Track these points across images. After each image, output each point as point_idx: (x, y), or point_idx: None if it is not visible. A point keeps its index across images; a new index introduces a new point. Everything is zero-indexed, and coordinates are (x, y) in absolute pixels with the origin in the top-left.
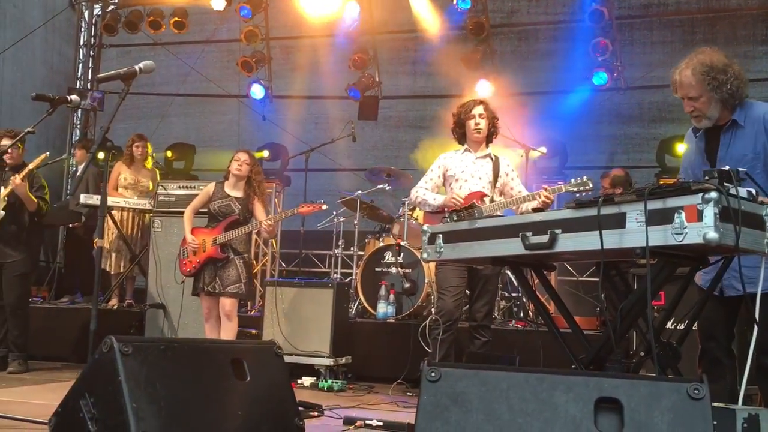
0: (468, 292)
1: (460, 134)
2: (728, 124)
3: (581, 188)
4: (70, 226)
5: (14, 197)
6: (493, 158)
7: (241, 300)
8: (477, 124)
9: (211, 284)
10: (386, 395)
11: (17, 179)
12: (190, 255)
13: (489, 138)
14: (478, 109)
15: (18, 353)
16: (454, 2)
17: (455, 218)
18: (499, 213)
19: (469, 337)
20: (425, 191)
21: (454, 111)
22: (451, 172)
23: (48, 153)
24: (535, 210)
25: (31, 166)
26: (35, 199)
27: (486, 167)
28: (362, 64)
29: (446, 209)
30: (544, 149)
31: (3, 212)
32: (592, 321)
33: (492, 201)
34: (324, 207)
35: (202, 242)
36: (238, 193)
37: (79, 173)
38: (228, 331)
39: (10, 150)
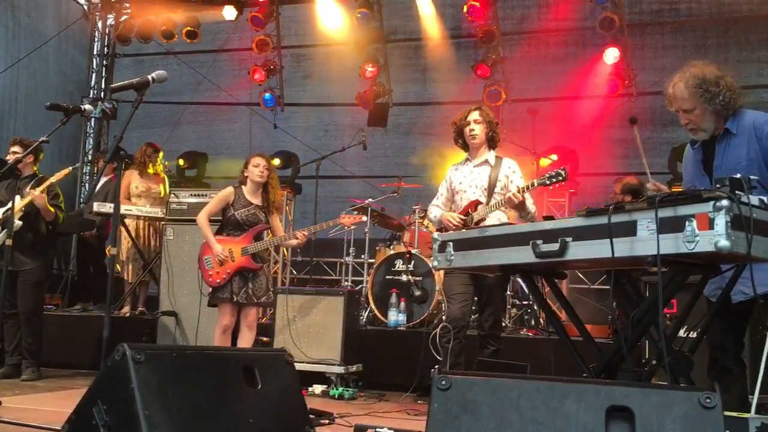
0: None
1: (463, 142)
2: (722, 134)
3: (554, 179)
4: (82, 234)
5: (30, 207)
6: (492, 163)
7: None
8: (472, 130)
9: (241, 294)
10: (397, 403)
11: (36, 192)
12: (216, 266)
13: (492, 143)
14: (473, 115)
15: (31, 360)
16: (464, 10)
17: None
18: (492, 218)
19: (478, 346)
20: (434, 208)
21: (453, 120)
22: (454, 185)
23: (71, 168)
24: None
25: (52, 179)
26: (53, 210)
27: (482, 174)
28: (373, 72)
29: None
30: (554, 156)
31: (20, 222)
32: (603, 329)
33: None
34: (364, 218)
35: (230, 252)
36: (258, 201)
37: (99, 184)
38: (248, 341)
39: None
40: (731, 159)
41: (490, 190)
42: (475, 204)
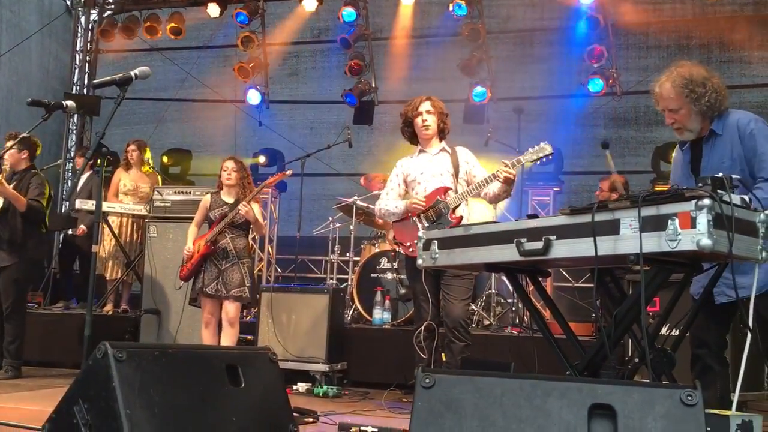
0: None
1: (411, 133)
2: (708, 135)
3: (540, 155)
4: (69, 232)
5: (6, 202)
6: (449, 151)
7: (245, 306)
8: (425, 120)
9: (211, 286)
10: (381, 401)
11: None
12: (187, 259)
13: (442, 135)
14: (425, 106)
15: (11, 360)
16: (450, 8)
17: (426, 224)
18: (464, 203)
19: (446, 342)
20: (387, 201)
21: (402, 110)
22: (411, 177)
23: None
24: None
25: None
26: (24, 199)
27: (444, 161)
28: (358, 70)
29: (410, 214)
30: None
31: None
32: (587, 327)
33: (456, 192)
34: (288, 172)
35: (197, 246)
36: (232, 200)
37: (81, 180)
38: (229, 338)
39: (8, 155)
40: (715, 159)
41: (456, 176)
42: (444, 190)
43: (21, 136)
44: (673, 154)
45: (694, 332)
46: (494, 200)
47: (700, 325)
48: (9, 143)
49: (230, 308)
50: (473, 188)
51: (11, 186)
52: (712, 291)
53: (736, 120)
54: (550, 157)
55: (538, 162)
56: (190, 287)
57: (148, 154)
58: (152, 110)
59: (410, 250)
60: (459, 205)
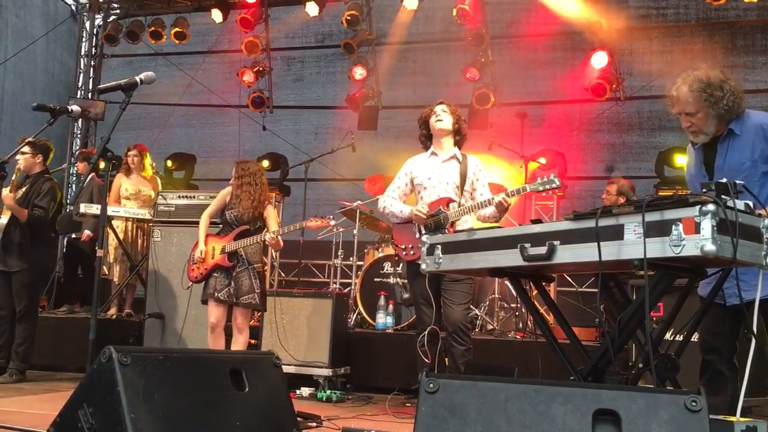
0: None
1: (427, 136)
2: (725, 134)
3: (546, 186)
4: (74, 236)
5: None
6: (460, 159)
7: (254, 311)
8: (437, 116)
9: (222, 292)
10: (385, 406)
11: (5, 191)
12: (198, 261)
13: (457, 137)
14: (440, 106)
15: (17, 362)
16: (454, 13)
17: (423, 231)
18: (462, 220)
19: (447, 346)
20: (392, 201)
21: (418, 117)
22: (418, 180)
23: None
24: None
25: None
26: (25, 210)
27: (452, 170)
28: (362, 75)
29: (412, 221)
30: (543, 160)
31: (4, 221)
32: (591, 332)
33: (460, 205)
34: (332, 222)
35: (212, 249)
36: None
37: (83, 184)
38: (239, 344)
39: (22, 159)
40: (735, 160)
41: (462, 188)
42: (446, 201)
43: (27, 140)
44: (687, 156)
45: (704, 337)
46: (483, 221)
47: (711, 331)
48: (24, 149)
49: (238, 315)
50: (470, 207)
51: (23, 189)
52: (719, 294)
53: (760, 121)
54: (557, 190)
55: (543, 194)
56: (201, 288)
57: (148, 158)
58: (157, 115)
59: (404, 253)
60: (459, 219)
